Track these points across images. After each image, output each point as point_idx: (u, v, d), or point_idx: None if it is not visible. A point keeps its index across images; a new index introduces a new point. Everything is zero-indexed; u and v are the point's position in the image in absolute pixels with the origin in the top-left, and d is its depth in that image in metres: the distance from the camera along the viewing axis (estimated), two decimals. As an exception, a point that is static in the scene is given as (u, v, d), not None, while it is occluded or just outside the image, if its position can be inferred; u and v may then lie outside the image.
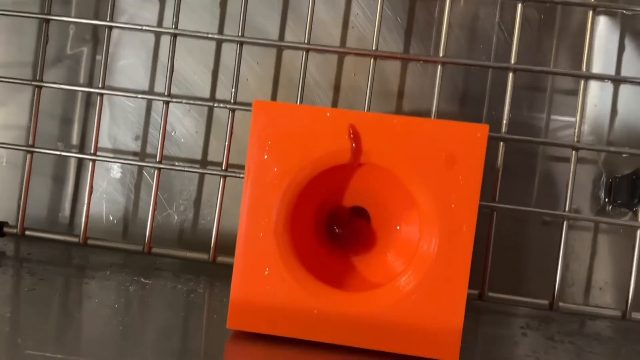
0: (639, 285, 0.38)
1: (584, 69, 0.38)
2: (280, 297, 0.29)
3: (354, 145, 0.27)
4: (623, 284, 0.39)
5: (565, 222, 0.38)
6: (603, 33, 0.42)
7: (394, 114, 0.28)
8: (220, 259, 0.40)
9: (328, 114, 0.28)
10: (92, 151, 0.41)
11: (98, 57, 0.45)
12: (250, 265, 0.29)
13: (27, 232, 0.41)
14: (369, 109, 0.40)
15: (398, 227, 0.30)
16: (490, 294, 0.38)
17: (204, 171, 0.42)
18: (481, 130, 0.27)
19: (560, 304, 0.38)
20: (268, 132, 0.28)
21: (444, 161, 0.27)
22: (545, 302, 0.38)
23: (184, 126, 0.44)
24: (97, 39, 0.45)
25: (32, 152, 0.41)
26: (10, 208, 0.45)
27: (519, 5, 0.38)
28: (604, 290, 0.42)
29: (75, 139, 0.45)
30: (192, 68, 0.44)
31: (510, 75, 0.38)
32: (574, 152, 0.38)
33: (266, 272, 0.28)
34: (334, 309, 0.28)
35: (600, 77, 0.39)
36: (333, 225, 0.31)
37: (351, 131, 0.28)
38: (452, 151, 0.27)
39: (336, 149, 0.28)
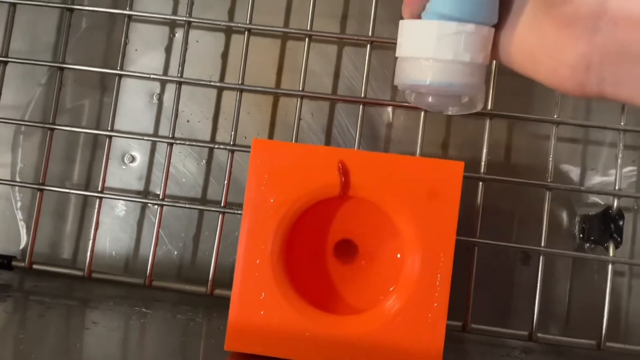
0: (612, 317, 0.41)
1: (555, 115, 0.41)
2: (275, 320, 0.31)
3: (343, 179, 0.30)
4: (598, 316, 0.41)
5: (541, 257, 0.41)
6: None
7: (379, 152, 0.31)
8: (217, 291, 0.42)
9: (320, 152, 0.31)
10: (99, 189, 0.44)
11: (105, 102, 0.48)
12: (248, 290, 0.31)
13: (34, 266, 0.43)
14: (358, 152, 0.43)
15: (384, 255, 0.32)
16: (474, 325, 0.41)
17: (204, 208, 0.45)
18: (457, 166, 0.30)
19: (539, 335, 0.40)
20: (265, 167, 0.31)
21: (425, 194, 0.30)
22: (525, 333, 0.41)
23: (185, 167, 0.47)
24: (104, 86, 0.48)
25: (42, 190, 0.44)
26: (16, 243, 0.47)
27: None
28: (580, 321, 0.44)
29: (80, 179, 0.48)
30: (195, 113, 0.47)
31: (488, 121, 0.42)
32: (547, 192, 0.41)
33: (262, 297, 0.31)
34: (325, 332, 0.31)
35: (569, 123, 0.42)
36: (325, 253, 0.33)
37: (340, 167, 0.31)
38: (432, 185, 0.30)
39: (327, 183, 0.31)
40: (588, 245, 0.44)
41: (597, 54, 0.25)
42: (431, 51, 0.29)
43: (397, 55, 0.31)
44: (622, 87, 0.25)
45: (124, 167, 0.47)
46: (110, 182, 0.47)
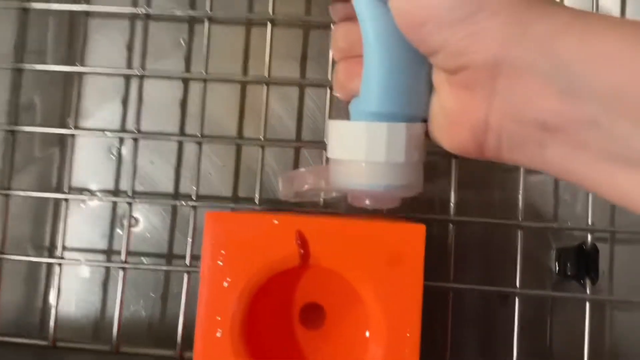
0: (592, 354, 0.40)
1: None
2: (239, 399, 0.29)
3: (301, 251, 0.29)
4: (579, 351, 0.40)
5: (517, 298, 0.40)
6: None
7: (338, 217, 0.30)
8: (187, 354, 0.40)
9: (275, 222, 0.30)
10: (59, 254, 0.42)
11: (66, 156, 0.46)
12: (209, 368, 0.30)
13: (-2, 338, 0.42)
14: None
15: (351, 320, 0.31)
16: (453, 370, 0.40)
17: (169, 268, 0.43)
18: (419, 230, 0.29)
19: (521, 378, 0.39)
20: (221, 241, 0.30)
21: (387, 260, 0.29)
22: (506, 377, 0.40)
23: (150, 222, 0.46)
24: (63, 142, 0.47)
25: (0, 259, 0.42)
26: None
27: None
28: (562, 357, 0.43)
29: (46, 241, 0.46)
30: (157, 165, 0.46)
31: (454, 161, 0.40)
32: (519, 230, 0.40)
33: (225, 376, 0.30)
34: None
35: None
36: (291, 320, 0.32)
37: (298, 237, 0.29)
38: (393, 251, 0.29)
39: (286, 255, 0.29)
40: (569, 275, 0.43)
41: (495, 117, 0.25)
42: (363, 154, 0.28)
43: (328, 156, 0.30)
44: (518, 151, 0.25)
45: (83, 206, 0.46)
46: (72, 241, 0.45)
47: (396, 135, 0.28)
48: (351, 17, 0.30)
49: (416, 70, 0.28)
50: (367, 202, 0.29)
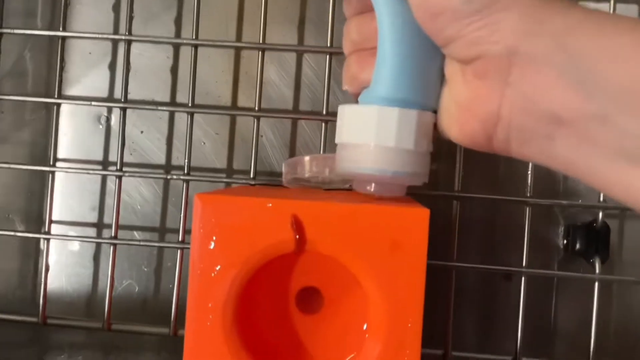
0: (600, 335, 0.38)
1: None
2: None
3: (297, 236, 0.27)
4: (585, 334, 0.39)
5: (523, 278, 0.38)
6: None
7: (337, 201, 0.28)
8: (181, 332, 0.39)
9: (269, 205, 0.28)
10: (46, 229, 0.41)
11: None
12: (199, 358, 0.28)
13: (-15, 314, 0.40)
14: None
15: (350, 306, 0.30)
16: (455, 353, 0.38)
17: (161, 244, 0.42)
18: (422, 214, 0.27)
19: (524, 359, 0.38)
20: (212, 225, 0.28)
21: (389, 247, 0.27)
22: (509, 358, 0.38)
23: (140, 194, 0.44)
24: (49, 110, 0.44)
25: (-15, 232, 0.41)
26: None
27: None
28: (567, 338, 0.42)
29: (37, 212, 0.44)
30: (147, 135, 0.44)
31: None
32: (527, 207, 0.38)
33: (216, 365, 0.28)
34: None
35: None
36: (287, 305, 0.31)
37: (293, 222, 0.27)
38: (395, 236, 0.27)
39: (280, 240, 0.28)
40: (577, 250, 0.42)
41: (506, 108, 0.25)
42: (373, 137, 0.28)
43: (336, 141, 0.30)
44: (527, 145, 0.25)
45: (72, 176, 0.44)
46: (61, 214, 0.44)
47: (407, 121, 0.27)
48: (364, 11, 0.30)
49: (429, 60, 0.28)
50: (373, 188, 0.29)
